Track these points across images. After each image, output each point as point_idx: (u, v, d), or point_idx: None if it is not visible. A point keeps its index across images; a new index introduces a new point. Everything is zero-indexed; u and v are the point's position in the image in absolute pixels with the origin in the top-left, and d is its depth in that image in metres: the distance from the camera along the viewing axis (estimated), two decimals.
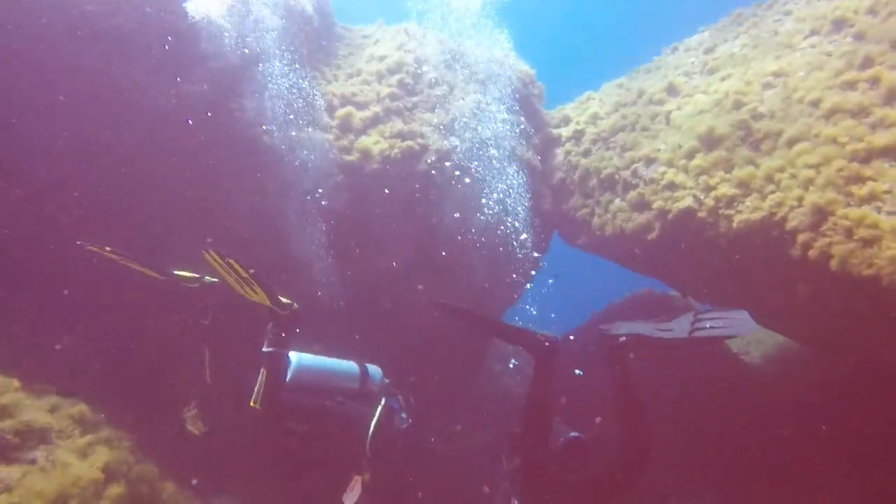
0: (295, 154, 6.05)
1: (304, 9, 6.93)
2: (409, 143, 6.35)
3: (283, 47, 6.30)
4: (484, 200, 6.56)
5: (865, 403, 5.60)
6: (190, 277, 4.83)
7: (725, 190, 5.09)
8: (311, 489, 4.96)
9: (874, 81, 4.77)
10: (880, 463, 5.31)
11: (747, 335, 8.51)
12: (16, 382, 4.46)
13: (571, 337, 8.04)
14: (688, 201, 5.31)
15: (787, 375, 7.33)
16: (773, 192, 4.79)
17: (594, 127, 6.90)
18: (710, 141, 5.42)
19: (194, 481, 5.13)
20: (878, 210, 4.22)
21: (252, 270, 4.28)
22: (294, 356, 4.82)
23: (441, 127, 6.57)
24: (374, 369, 5.24)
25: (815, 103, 4.97)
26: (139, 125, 5.67)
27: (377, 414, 4.94)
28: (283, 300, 4.61)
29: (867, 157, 4.45)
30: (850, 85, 4.90)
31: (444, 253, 6.61)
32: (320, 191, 6.09)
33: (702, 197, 5.25)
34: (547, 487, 4.45)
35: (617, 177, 6.20)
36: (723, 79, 5.97)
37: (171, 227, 5.83)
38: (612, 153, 6.41)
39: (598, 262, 7.27)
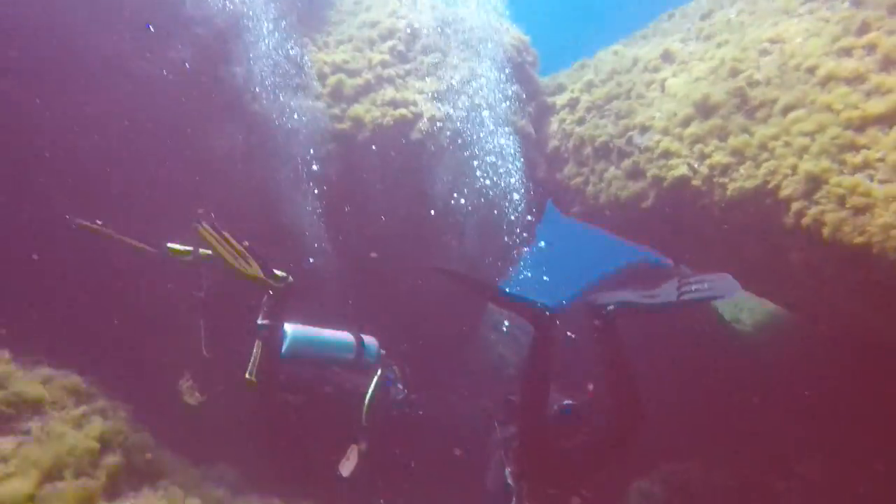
0: (285, 122, 5.98)
1: None
2: (402, 111, 6.27)
3: (272, 13, 6.17)
4: (477, 169, 6.52)
5: (854, 370, 5.69)
6: (184, 251, 4.81)
7: (720, 158, 5.07)
8: (307, 459, 5.03)
9: (871, 48, 4.72)
10: (869, 429, 5.42)
11: (741, 304, 8.61)
12: (6, 354, 4.44)
13: (563, 301, 8.10)
14: (682, 169, 5.29)
15: (778, 343, 7.43)
16: (767, 161, 4.78)
17: (589, 95, 6.82)
18: (705, 109, 5.37)
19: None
20: (871, 178, 4.21)
21: (246, 243, 4.28)
22: (289, 328, 4.84)
23: (434, 95, 6.49)
24: (369, 340, 5.28)
25: (812, 70, 4.92)
26: (122, 93, 5.56)
27: (373, 385, 4.99)
28: (278, 273, 4.61)
29: (862, 125, 4.42)
30: (847, 51, 4.84)
31: (436, 221, 6.60)
32: (312, 159, 6.04)
33: (696, 165, 5.23)
34: (541, 455, 4.52)
35: (611, 145, 6.16)
36: (719, 45, 5.89)
37: (159, 197, 5.76)
38: (607, 121, 6.35)
39: (593, 231, 7.26)
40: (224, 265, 4.44)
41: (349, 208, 6.42)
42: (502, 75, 6.86)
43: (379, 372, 5.12)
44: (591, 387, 5.08)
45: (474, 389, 7.61)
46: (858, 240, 4.10)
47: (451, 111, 6.42)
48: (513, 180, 6.68)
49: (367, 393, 4.93)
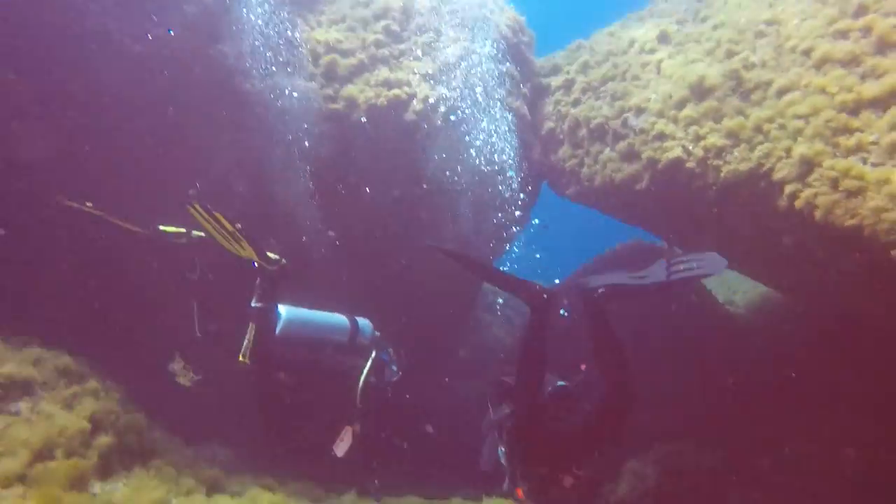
0: (278, 102, 5.91)
1: None
2: (396, 91, 6.22)
3: None
4: (472, 149, 6.49)
5: (845, 352, 5.74)
6: (176, 232, 4.78)
7: (714, 140, 5.07)
8: (301, 440, 5.04)
9: (867, 30, 4.70)
10: (860, 409, 5.48)
11: (734, 286, 8.66)
12: None
13: (557, 281, 8.13)
14: (677, 151, 5.28)
15: (769, 324, 7.49)
16: (761, 143, 4.78)
17: (584, 76, 6.78)
18: (700, 91, 5.35)
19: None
20: (864, 161, 4.22)
21: (239, 225, 4.25)
22: (284, 310, 4.83)
23: (428, 75, 6.44)
24: (363, 322, 5.27)
25: (807, 52, 4.91)
26: (112, 72, 5.47)
27: (367, 366, 5.00)
28: (271, 255, 4.59)
29: (856, 107, 4.42)
30: (843, 34, 4.82)
31: (430, 200, 6.57)
32: (304, 139, 5.99)
33: (691, 147, 5.22)
34: (535, 436, 4.55)
35: (607, 127, 6.14)
36: (715, 27, 5.86)
37: (150, 177, 5.70)
38: (603, 102, 6.32)
39: (587, 212, 7.27)
40: (218, 246, 4.42)
41: (342, 188, 6.38)
42: (497, 55, 6.80)
43: (373, 353, 5.12)
44: (583, 367, 5.11)
45: (469, 370, 7.65)
46: (850, 222, 4.12)
47: (446, 91, 6.37)
48: (506, 157, 6.65)
49: (361, 374, 4.94)
